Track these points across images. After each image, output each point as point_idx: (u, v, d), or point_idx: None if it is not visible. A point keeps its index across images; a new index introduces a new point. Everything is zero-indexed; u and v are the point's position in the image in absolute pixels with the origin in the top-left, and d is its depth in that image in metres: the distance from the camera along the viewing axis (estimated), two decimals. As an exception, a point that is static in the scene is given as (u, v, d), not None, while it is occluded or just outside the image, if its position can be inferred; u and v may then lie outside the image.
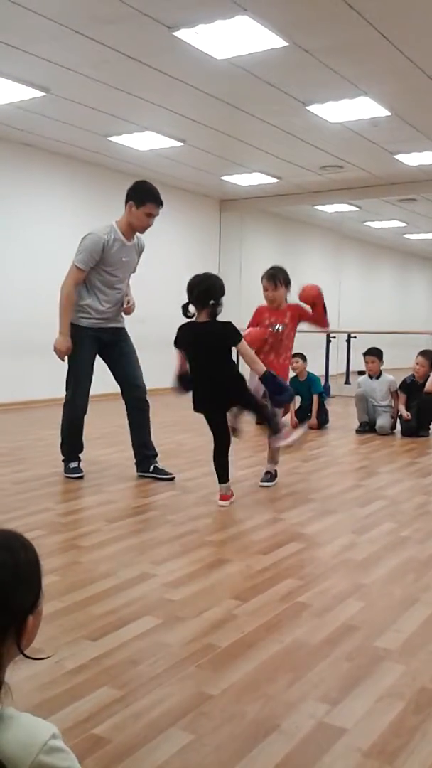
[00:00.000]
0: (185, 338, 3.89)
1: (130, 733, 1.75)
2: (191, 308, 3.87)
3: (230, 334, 3.82)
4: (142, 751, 1.68)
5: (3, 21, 4.86)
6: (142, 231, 4.56)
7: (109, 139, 7.88)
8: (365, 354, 6.92)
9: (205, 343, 3.84)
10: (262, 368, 3.87)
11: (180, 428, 6.67)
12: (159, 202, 4.49)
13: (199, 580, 2.82)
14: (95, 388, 4.70)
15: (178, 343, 3.93)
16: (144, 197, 4.42)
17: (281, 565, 3.01)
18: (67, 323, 4.43)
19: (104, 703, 1.89)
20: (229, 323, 3.86)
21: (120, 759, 1.65)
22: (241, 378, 3.98)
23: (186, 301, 3.89)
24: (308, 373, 7.11)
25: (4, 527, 1.14)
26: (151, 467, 4.69)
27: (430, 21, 4.75)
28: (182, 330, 3.91)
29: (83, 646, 2.22)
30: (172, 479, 4.60)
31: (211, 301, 3.81)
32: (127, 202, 4.45)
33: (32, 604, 1.06)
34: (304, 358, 7.02)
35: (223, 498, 4.04)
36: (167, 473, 4.65)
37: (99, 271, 4.45)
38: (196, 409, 4.04)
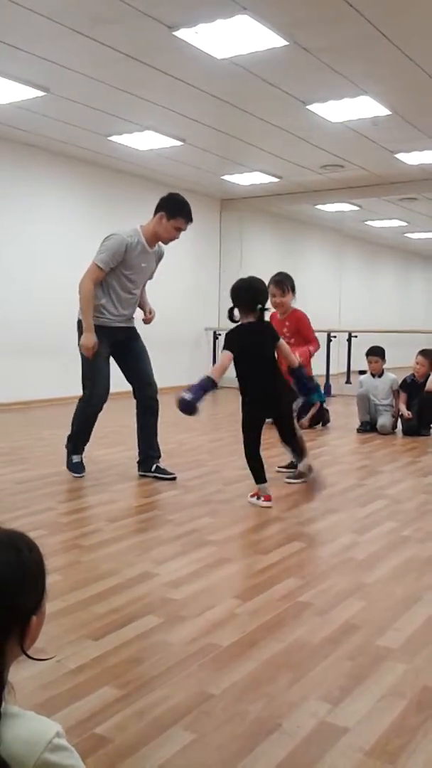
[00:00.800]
0: (240, 340, 3.96)
1: (132, 733, 1.75)
2: (236, 312, 4.02)
3: (273, 331, 4.08)
4: (144, 750, 1.69)
5: (3, 21, 4.86)
6: (166, 242, 4.58)
7: (109, 138, 7.88)
8: (368, 354, 6.92)
9: (257, 342, 4.00)
10: (297, 360, 4.14)
11: (181, 428, 6.67)
12: (190, 219, 4.48)
13: (201, 580, 2.83)
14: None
15: (232, 346, 3.96)
16: (177, 211, 4.42)
17: (282, 565, 3.02)
18: (90, 321, 4.37)
19: (106, 702, 1.89)
20: (269, 322, 4.12)
21: (122, 758, 1.65)
22: (285, 380, 4.15)
23: (230, 306, 4.04)
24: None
25: (7, 527, 1.14)
26: (153, 467, 4.69)
27: (430, 20, 4.75)
28: (235, 333, 4.00)
29: (85, 646, 2.22)
30: (173, 479, 4.61)
31: (259, 305, 3.98)
32: (158, 211, 4.46)
33: (36, 604, 1.06)
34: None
35: (267, 498, 4.02)
36: (169, 473, 4.65)
37: (117, 274, 4.44)
38: (252, 409, 4.11)
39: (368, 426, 6.79)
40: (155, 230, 4.46)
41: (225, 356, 3.95)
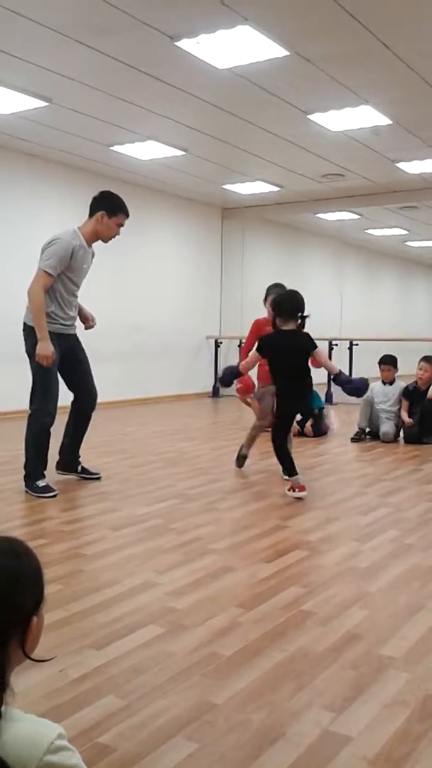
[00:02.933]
0: (276, 345, 4.46)
1: (135, 742, 1.75)
2: (278, 320, 4.49)
3: (310, 342, 4.44)
4: (147, 759, 1.68)
5: (5, 31, 4.90)
6: (107, 240, 4.62)
7: (111, 148, 7.91)
8: (380, 362, 6.95)
9: (291, 348, 4.42)
10: (336, 368, 4.58)
11: (182, 436, 6.68)
12: (128, 214, 4.63)
13: (203, 589, 2.82)
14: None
15: (262, 350, 4.46)
16: (117, 208, 4.54)
17: (285, 573, 3.01)
18: (45, 328, 4.35)
19: (109, 711, 1.89)
20: (308, 334, 4.49)
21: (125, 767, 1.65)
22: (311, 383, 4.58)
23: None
24: None
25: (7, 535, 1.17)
26: (79, 467, 4.80)
27: (431, 30, 4.77)
28: (272, 338, 4.51)
29: (88, 655, 2.22)
30: (98, 478, 4.75)
31: (300, 315, 4.45)
32: (96, 210, 4.52)
33: (36, 605, 1.09)
34: None
35: (300, 489, 4.37)
36: (94, 472, 4.78)
37: (62, 278, 4.42)
38: (283, 405, 4.59)
39: (363, 435, 6.79)
40: (96, 229, 4.51)
41: (253, 356, 4.53)
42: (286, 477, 4.66)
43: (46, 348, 4.32)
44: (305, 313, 4.52)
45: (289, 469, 4.51)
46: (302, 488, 4.38)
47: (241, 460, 5.26)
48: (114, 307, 9.11)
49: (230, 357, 11.33)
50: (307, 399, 4.70)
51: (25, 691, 1.96)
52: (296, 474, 4.46)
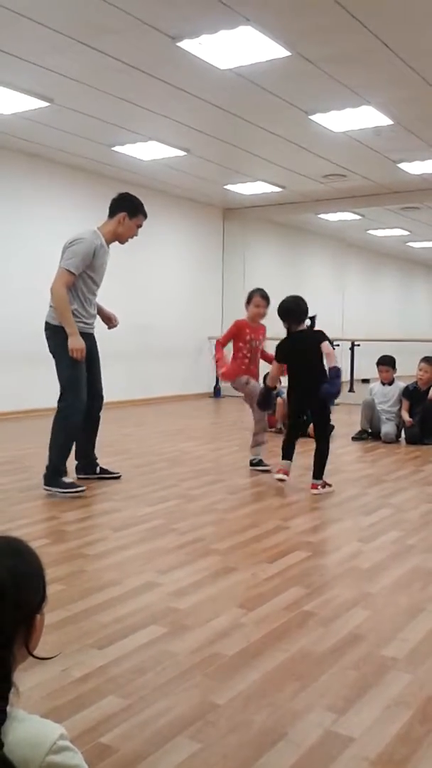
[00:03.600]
0: (289, 348, 4.74)
1: (137, 742, 1.75)
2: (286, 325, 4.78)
3: (320, 335, 4.70)
4: (148, 760, 1.68)
5: (7, 32, 4.90)
6: (124, 241, 4.68)
7: (113, 149, 7.92)
8: (378, 363, 6.95)
9: (302, 349, 4.68)
10: (335, 360, 4.72)
11: (184, 436, 6.68)
12: (146, 215, 4.71)
13: (205, 589, 2.82)
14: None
15: (279, 356, 4.78)
16: (136, 209, 4.61)
17: (287, 574, 3.01)
18: (74, 323, 4.37)
19: (111, 711, 1.89)
20: (320, 331, 4.78)
21: (127, 768, 1.65)
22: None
23: None
24: None
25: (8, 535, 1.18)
26: (98, 468, 4.86)
27: (431, 29, 4.78)
28: (286, 342, 4.77)
29: (90, 655, 2.22)
30: (118, 477, 4.84)
31: (307, 319, 4.78)
32: (117, 212, 4.59)
33: (39, 603, 1.10)
34: None
35: (280, 470, 4.71)
36: (113, 472, 4.86)
37: (84, 277, 4.47)
38: (294, 400, 4.92)
39: (365, 435, 6.79)
40: (116, 230, 4.58)
41: (275, 367, 4.85)
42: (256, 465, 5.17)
43: (77, 341, 4.36)
44: (311, 314, 4.77)
45: (286, 454, 4.79)
46: (281, 470, 4.70)
47: (259, 464, 5.28)
48: (116, 308, 9.08)
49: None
50: (317, 399, 4.67)
51: (27, 691, 1.96)
52: (286, 459, 4.75)
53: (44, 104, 6.40)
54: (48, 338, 4.49)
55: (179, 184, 9.70)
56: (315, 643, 2.33)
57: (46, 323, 4.51)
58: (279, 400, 7.04)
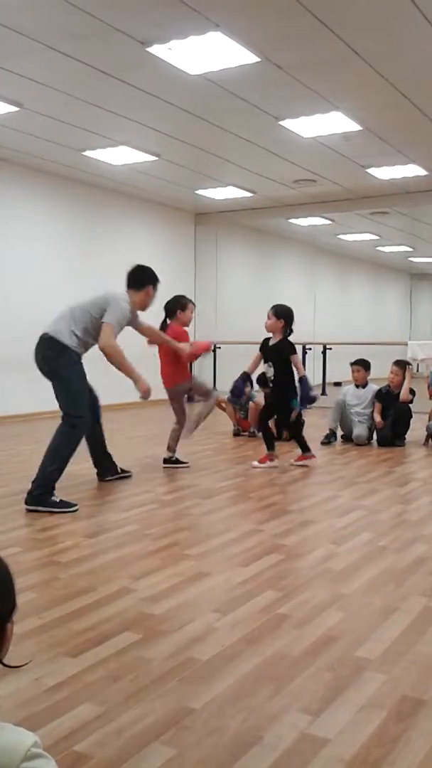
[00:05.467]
0: (264, 347, 5.59)
1: (112, 749, 1.74)
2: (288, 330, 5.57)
3: (288, 347, 5.51)
4: (124, 767, 1.67)
5: (-24, 36, 4.86)
6: (145, 309, 4.91)
7: (83, 153, 7.89)
8: (352, 363, 7.02)
9: (275, 353, 5.49)
10: (303, 372, 5.56)
11: (158, 441, 6.65)
12: None
13: (179, 594, 2.81)
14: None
15: (261, 348, 5.60)
16: (156, 280, 4.93)
17: (261, 577, 3.01)
18: (135, 370, 4.67)
19: (85, 719, 1.87)
20: (288, 341, 5.53)
21: (102, 776, 1.64)
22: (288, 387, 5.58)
23: None
24: None
25: None
26: (118, 468, 5.07)
27: (400, 37, 4.84)
28: (264, 341, 5.62)
29: (63, 663, 2.20)
30: (129, 476, 5.08)
31: (288, 329, 5.54)
32: (144, 284, 4.82)
33: (9, 612, 1.08)
34: None
35: (260, 460, 5.56)
36: (127, 471, 5.12)
37: (98, 326, 4.59)
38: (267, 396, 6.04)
39: (333, 438, 6.84)
40: (141, 300, 4.83)
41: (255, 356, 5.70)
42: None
43: (146, 384, 4.66)
44: (291, 326, 5.61)
45: (269, 446, 5.60)
46: (262, 459, 5.55)
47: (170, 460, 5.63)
48: (87, 313, 9.05)
49: (205, 363, 11.33)
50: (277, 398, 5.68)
51: (0, 700, 1.94)
52: (269, 449, 5.57)
53: (14, 109, 6.35)
54: (55, 357, 4.45)
55: (150, 188, 9.70)
56: (290, 646, 2.34)
57: (55, 340, 4.46)
58: (251, 405, 7.06)
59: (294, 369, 5.51)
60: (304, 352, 10.50)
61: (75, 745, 1.75)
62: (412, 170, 8.47)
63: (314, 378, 11.02)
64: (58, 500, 4.21)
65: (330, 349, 11.39)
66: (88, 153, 7.87)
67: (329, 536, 3.67)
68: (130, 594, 2.80)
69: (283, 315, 5.48)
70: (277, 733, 1.82)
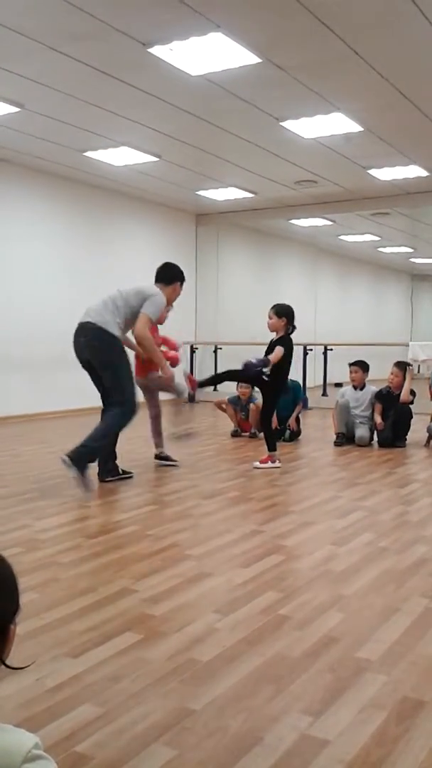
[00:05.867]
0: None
1: (113, 750, 1.74)
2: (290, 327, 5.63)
3: (284, 342, 5.54)
4: (125, 767, 1.67)
5: (-23, 37, 4.87)
6: (170, 304, 5.26)
7: (84, 154, 7.90)
8: (350, 364, 7.02)
9: (273, 349, 5.55)
10: (272, 361, 5.47)
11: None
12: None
13: (180, 595, 2.82)
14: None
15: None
16: (184, 278, 5.32)
17: (262, 578, 3.02)
18: (162, 357, 5.09)
19: (86, 720, 1.87)
20: (289, 338, 5.57)
21: (103, 776, 1.64)
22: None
23: None
24: (291, 380, 7.24)
25: None
26: (120, 469, 5.10)
27: (401, 38, 4.84)
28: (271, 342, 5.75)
29: (64, 664, 2.20)
30: (131, 477, 5.10)
31: (291, 327, 5.58)
32: (173, 281, 5.22)
33: (13, 613, 1.08)
34: None
35: (262, 461, 5.60)
36: (128, 471, 5.16)
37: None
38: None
39: (344, 439, 6.83)
40: (171, 296, 5.20)
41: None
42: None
43: (170, 370, 5.07)
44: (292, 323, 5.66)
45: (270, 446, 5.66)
46: (263, 460, 5.60)
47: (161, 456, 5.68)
48: (88, 314, 9.06)
49: (206, 363, 11.34)
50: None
51: (0, 701, 1.94)
52: (272, 450, 5.63)
53: (14, 110, 6.36)
54: (105, 348, 4.72)
55: (151, 189, 9.71)
56: (290, 647, 2.34)
57: (103, 330, 4.69)
58: (252, 406, 7.06)
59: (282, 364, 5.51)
60: (305, 353, 10.50)
61: (76, 746, 1.75)
62: (413, 171, 8.48)
63: (315, 379, 11.05)
64: (90, 478, 4.50)
65: (331, 350, 11.38)
66: (89, 154, 7.87)
67: (330, 537, 3.67)
68: (130, 595, 2.80)
69: (284, 313, 5.54)
70: (277, 734, 1.82)
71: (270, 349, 5.55)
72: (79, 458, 4.44)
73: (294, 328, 5.59)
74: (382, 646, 2.36)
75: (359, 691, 2.05)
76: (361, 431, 6.73)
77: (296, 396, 7.09)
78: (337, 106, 6.21)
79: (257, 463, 5.57)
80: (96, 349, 4.69)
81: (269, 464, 5.55)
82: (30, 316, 8.40)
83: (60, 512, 4.17)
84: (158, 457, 5.66)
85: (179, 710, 1.93)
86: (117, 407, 4.73)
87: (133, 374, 5.00)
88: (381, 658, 2.27)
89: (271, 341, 5.60)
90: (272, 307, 5.62)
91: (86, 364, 4.80)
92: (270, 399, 5.72)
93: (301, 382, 10.14)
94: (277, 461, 5.60)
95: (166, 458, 5.63)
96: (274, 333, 5.58)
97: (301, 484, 5.06)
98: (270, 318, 5.58)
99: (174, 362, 5.51)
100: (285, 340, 5.51)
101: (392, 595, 2.84)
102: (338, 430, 6.86)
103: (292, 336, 5.59)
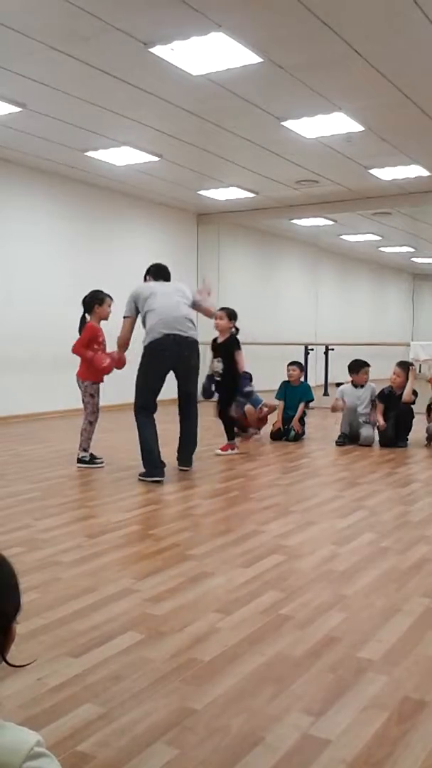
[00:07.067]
0: (215, 344, 6.21)
1: (114, 750, 1.74)
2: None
3: (236, 344, 6.09)
4: (126, 767, 1.67)
5: (-21, 37, 4.87)
6: None
7: (86, 154, 7.90)
8: (289, 364, 7.24)
9: (224, 350, 6.03)
10: (243, 368, 6.10)
11: (162, 441, 6.64)
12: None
13: (182, 595, 2.82)
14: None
15: (212, 347, 6.16)
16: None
17: (263, 578, 3.02)
18: None
19: (88, 719, 1.87)
20: (236, 339, 6.07)
21: (104, 776, 1.64)
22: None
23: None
24: (302, 381, 7.32)
25: None
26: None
27: (402, 37, 4.84)
28: (213, 340, 6.24)
29: (65, 663, 2.20)
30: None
31: (234, 328, 6.11)
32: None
33: (15, 612, 1.09)
34: (301, 367, 7.59)
35: (222, 448, 6.13)
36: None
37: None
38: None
39: (346, 439, 6.83)
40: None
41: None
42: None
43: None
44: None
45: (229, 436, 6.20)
46: (223, 447, 6.13)
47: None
48: (89, 313, 9.06)
49: (206, 363, 11.33)
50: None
51: (2, 700, 1.94)
52: (231, 439, 6.19)
53: (16, 109, 6.36)
54: (195, 356, 5.27)
55: (153, 189, 9.70)
56: (291, 647, 2.34)
57: (197, 343, 5.26)
58: (248, 407, 7.06)
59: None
60: (306, 353, 10.50)
61: (77, 746, 1.75)
62: (415, 171, 8.47)
63: (316, 378, 11.06)
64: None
65: (332, 349, 11.39)
66: (90, 153, 7.87)
67: (331, 537, 3.67)
68: (132, 594, 2.80)
69: (234, 317, 6.15)
70: (279, 733, 1.82)
71: (218, 351, 6.10)
72: (191, 459, 5.34)
73: (237, 330, 6.13)
74: (384, 646, 2.36)
75: (361, 691, 2.05)
76: (367, 431, 6.73)
77: (304, 397, 7.09)
78: (338, 105, 6.20)
79: (218, 450, 6.12)
80: (193, 360, 5.22)
81: (229, 451, 6.12)
82: (30, 316, 8.40)
83: (61, 512, 4.18)
84: (81, 460, 5.60)
85: (181, 710, 1.93)
86: (195, 408, 5.38)
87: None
88: (382, 658, 2.27)
89: (215, 341, 6.16)
90: (223, 309, 6.16)
91: (167, 371, 5.18)
92: (226, 395, 6.17)
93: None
94: (236, 449, 6.18)
95: (92, 459, 5.61)
96: (218, 334, 6.13)
97: (302, 483, 5.06)
98: (221, 319, 6.07)
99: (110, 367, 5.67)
100: (237, 342, 6.08)
101: (393, 595, 2.84)
102: (343, 430, 6.85)
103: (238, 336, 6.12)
